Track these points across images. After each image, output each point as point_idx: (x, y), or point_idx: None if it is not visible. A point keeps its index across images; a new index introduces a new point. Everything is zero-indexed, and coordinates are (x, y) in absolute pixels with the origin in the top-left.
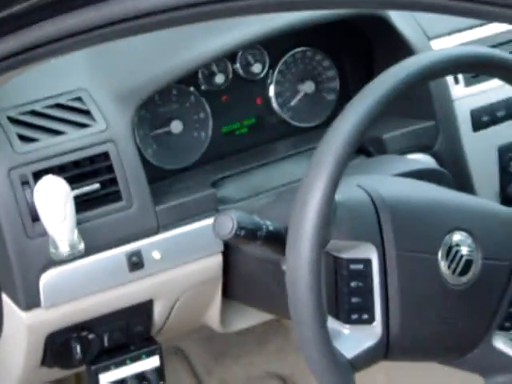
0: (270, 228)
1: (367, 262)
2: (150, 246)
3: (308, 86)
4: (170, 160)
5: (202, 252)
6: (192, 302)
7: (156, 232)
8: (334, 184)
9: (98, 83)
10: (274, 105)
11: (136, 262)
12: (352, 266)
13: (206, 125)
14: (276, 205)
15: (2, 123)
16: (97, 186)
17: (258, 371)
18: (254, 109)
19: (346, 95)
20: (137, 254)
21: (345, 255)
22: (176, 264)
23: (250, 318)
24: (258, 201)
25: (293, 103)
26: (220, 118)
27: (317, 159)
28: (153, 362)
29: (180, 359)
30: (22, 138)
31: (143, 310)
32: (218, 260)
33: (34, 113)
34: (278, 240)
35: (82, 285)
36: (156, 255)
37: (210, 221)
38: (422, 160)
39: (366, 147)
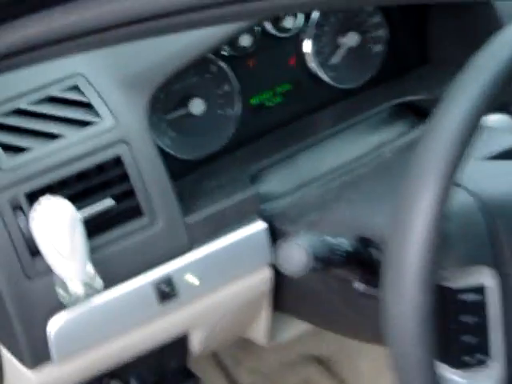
0: (348, 249)
1: (481, 290)
2: (182, 268)
3: (351, 39)
4: (193, 148)
5: (247, 267)
6: (235, 322)
7: (188, 250)
8: (446, 196)
9: (99, 66)
10: (312, 64)
11: (167, 292)
12: (462, 297)
13: (232, 99)
14: (339, 206)
15: None
16: (110, 202)
17: (291, 355)
18: (288, 72)
19: (395, 45)
20: (167, 280)
21: (453, 284)
22: (216, 286)
23: (299, 326)
24: (308, 193)
25: (334, 61)
26: (248, 88)
27: (422, 161)
28: None
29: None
30: (7, 148)
31: (178, 344)
32: (266, 273)
33: (18, 112)
34: (355, 260)
35: (102, 328)
36: (190, 279)
37: (252, 228)
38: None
39: (430, 110)
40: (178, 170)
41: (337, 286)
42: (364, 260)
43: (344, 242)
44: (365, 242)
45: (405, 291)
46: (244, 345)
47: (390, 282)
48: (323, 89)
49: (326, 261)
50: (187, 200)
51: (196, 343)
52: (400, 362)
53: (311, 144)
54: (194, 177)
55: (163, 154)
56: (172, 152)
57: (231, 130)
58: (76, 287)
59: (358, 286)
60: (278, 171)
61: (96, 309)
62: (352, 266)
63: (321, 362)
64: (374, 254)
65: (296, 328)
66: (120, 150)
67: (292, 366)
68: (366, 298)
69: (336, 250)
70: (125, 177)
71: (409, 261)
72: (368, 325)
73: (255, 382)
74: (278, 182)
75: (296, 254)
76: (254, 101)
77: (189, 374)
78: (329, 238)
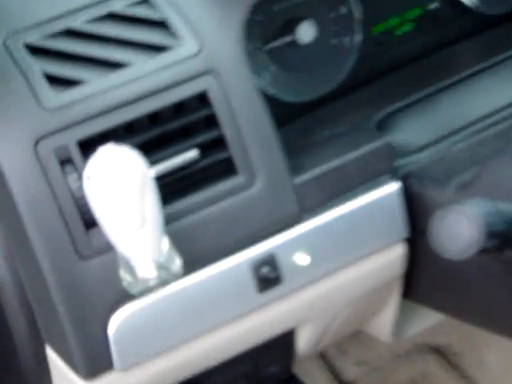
0: None
1: None
2: (290, 244)
3: None
4: (300, 87)
5: (376, 243)
6: (355, 315)
7: (297, 220)
8: None
9: None
10: None
11: (269, 276)
12: None
13: (350, 25)
14: (503, 162)
15: (16, 57)
16: (193, 153)
17: (405, 345)
18: None
19: None
20: (269, 261)
21: None
22: (333, 269)
23: (428, 318)
24: (454, 146)
25: None
26: (370, 12)
27: None
28: None
29: None
30: (54, 80)
31: (281, 343)
32: (400, 252)
33: (70, 33)
34: None
35: (179, 326)
36: (300, 259)
37: (383, 191)
38: None
39: None
40: (282, 115)
41: (500, 272)
42: None
43: None
44: None
45: None
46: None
47: None
48: (464, 15)
49: (502, 237)
50: (295, 155)
51: (304, 342)
52: None
53: (453, 83)
54: (302, 124)
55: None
56: (273, 92)
57: (349, 65)
58: (147, 270)
59: None
60: (411, 118)
61: (173, 300)
62: None
63: (440, 352)
64: None
65: (425, 320)
66: (206, 84)
67: (406, 357)
68: None
69: None
70: (213, 120)
71: None
72: None
73: (363, 377)
74: (412, 131)
75: (465, 229)
76: (377, 29)
77: (294, 382)
78: (505, 206)
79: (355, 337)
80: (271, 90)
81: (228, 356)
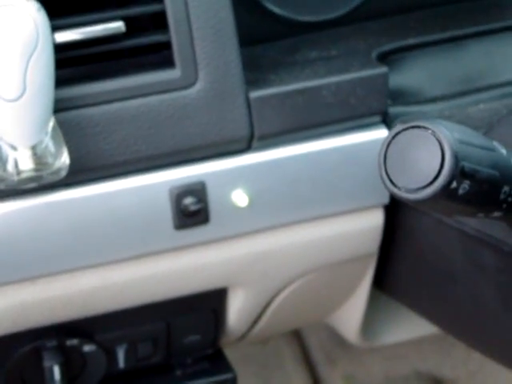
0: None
1: None
2: (227, 176)
3: None
4: (308, 6)
5: (346, 202)
6: (311, 297)
7: (243, 149)
8: None
9: None
10: None
11: (191, 209)
12: None
13: None
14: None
15: None
16: (118, 24)
17: (403, 368)
18: None
19: None
20: (196, 190)
21: None
22: (278, 222)
23: (407, 328)
24: (473, 105)
25: None
26: None
27: None
28: None
29: (289, 341)
30: None
31: (205, 305)
32: (377, 221)
33: None
34: None
35: (56, 248)
36: (237, 198)
37: (370, 135)
38: None
39: None
40: (276, 29)
41: (493, 260)
42: None
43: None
44: None
45: None
46: (343, 341)
47: None
48: None
49: (479, 182)
50: (262, 70)
51: (235, 312)
52: None
53: (489, 31)
54: (293, 43)
55: (263, 12)
56: (276, 9)
57: None
58: (21, 158)
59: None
60: (426, 61)
61: (51, 212)
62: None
63: (439, 383)
64: None
65: (406, 331)
66: None
67: (401, 382)
68: None
69: (505, 165)
70: None
71: None
72: None
73: None
74: (425, 77)
75: (426, 152)
76: None
77: (220, 363)
78: (493, 142)
79: (346, 347)
80: (276, 9)
81: (127, 305)
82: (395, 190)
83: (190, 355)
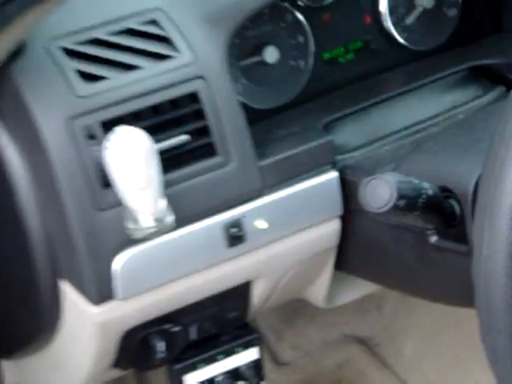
0: (430, 193)
1: None
2: (254, 212)
3: (426, 0)
4: (264, 97)
5: (317, 217)
6: (297, 277)
7: (260, 194)
8: None
9: (179, 2)
10: (386, 24)
11: (236, 235)
12: None
13: (305, 51)
14: (418, 157)
15: (54, 56)
16: (185, 137)
17: (334, 334)
18: (362, 30)
19: (469, 11)
20: (237, 224)
21: None
22: (284, 234)
23: (357, 289)
24: (381, 148)
25: (408, 21)
26: (321, 42)
27: None
28: (250, 355)
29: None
30: (84, 75)
31: (240, 292)
32: (335, 227)
33: (96, 42)
34: (436, 208)
35: (168, 268)
36: (261, 224)
37: (325, 177)
38: None
39: (505, 74)
40: (249, 118)
41: (410, 240)
42: (443, 210)
43: (427, 187)
44: (445, 192)
45: (502, 229)
46: (287, 320)
47: (483, 222)
48: (396, 49)
49: (410, 201)
50: (260, 145)
51: (257, 294)
52: (490, 301)
53: (383, 100)
54: (265, 125)
55: None
56: (243, 100)
57: (303, 82)
58: (147, 221)
59: (433, 237)
60: (349, 124)
61: (164, 246)
62: (431, 214)
63: (363, 342)
64: (454, 206)
65: (355, 291)
66: (197, 86)
67: (334, 345)
68: (440, 251)
69: (419, 191)
70: (200, 113)
71: (508, 197)
72: (440, 281)
73: (296, 359)
74: (350, 135)
75: (382, 189)
76: (326, 55)
77: (248, 329)
78: (414, 180)
79: (291, 324)
80: (242, 98)
81: (200, 297)
82: (371, 209)
83: (230, 326)
